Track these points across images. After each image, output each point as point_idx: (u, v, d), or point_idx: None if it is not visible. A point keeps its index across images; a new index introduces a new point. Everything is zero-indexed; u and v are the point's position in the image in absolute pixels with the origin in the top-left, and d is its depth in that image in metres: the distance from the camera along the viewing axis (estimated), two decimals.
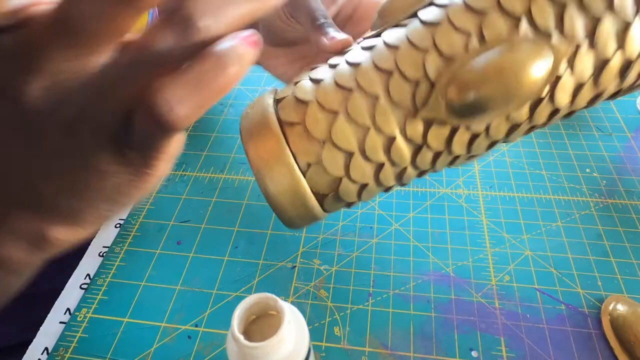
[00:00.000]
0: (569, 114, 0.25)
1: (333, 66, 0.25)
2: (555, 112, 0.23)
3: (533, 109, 0.23)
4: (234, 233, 0.40)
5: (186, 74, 0.14)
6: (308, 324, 0.34)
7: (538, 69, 0.21)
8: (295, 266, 0.37)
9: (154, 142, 0.16)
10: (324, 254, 0.38)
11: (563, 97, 0.22)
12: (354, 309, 0.35)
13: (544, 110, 0.23)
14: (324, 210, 0.26)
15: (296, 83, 0.25)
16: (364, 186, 0.25)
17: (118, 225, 0.42)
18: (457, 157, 0.25)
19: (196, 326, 0.34)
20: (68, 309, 0.36)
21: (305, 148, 0.24)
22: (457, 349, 0.32)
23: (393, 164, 0.24)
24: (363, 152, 0.24)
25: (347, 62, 0.24)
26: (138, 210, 0.43)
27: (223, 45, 0.14)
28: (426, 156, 0.24)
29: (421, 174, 0.26)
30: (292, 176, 0.24)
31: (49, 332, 0.35)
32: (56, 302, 0.36)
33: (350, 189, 0.25)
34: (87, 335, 0.34)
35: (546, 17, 0.21)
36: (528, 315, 0.33)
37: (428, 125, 0.23)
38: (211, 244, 0.40)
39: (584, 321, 0.33)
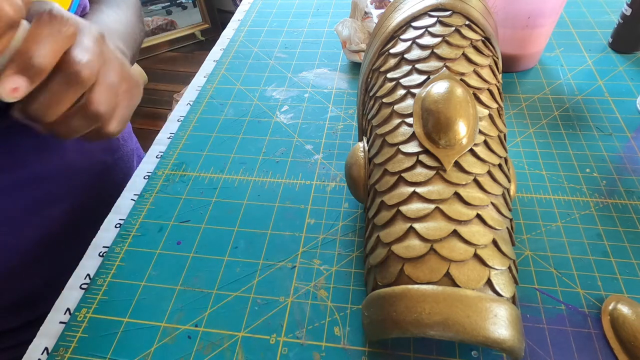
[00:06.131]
0: None
1: None
2: None
3: None
4: (234, 233, 0.40)
5: None
6: (308, 324, 0.34)
7: None
8: (295, 266, 0.37)
9: None
10: (324, 254, 0.38)
11: None
12: (354, 309, 0.35)
13: None
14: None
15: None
16: None
17: (118, 225, 0.42)
18: None
19: (196, 326, 0.34)
20: (68, 309, 0.36)
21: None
22: (457, 349, 0.32)
23: None
24: None
25: None
26: (138, 210, 0.43)
27: None
28: None
29: None
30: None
31: (49, 332, 0.35)
32: (56, 302, 0.36)
33: None
34: (87, 335, 0.34)
35: None
36: (528, 316, 0.33)
37: None
38: (211, 244, 0.40)
39: (584, 321, 0.33)
